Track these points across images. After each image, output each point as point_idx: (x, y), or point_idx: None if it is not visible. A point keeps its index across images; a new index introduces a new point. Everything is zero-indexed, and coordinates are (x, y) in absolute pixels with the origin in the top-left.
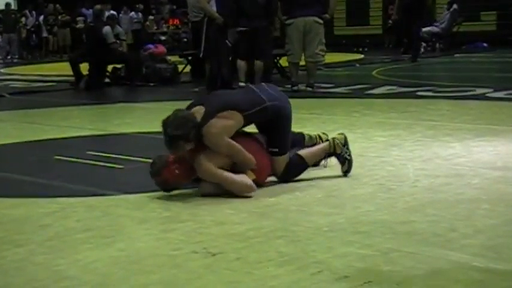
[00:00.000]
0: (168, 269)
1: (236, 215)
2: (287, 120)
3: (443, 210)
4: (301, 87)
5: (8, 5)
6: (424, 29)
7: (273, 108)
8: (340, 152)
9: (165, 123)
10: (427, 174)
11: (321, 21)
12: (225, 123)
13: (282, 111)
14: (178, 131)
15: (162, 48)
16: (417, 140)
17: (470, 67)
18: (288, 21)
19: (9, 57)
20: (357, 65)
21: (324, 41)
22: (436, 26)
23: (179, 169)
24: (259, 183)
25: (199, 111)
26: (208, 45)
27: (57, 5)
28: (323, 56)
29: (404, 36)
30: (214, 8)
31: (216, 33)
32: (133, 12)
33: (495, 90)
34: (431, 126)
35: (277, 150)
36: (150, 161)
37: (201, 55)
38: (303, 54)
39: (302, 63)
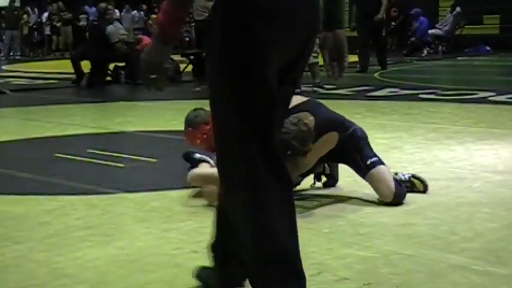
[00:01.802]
0: (168, 269)
1: None
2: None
3: (443, 213)
4: (304, 88)
5: (11, 2)
6: (429, 31)
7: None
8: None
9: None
10: (427, 177)
11: None
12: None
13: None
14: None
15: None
16: (418, 142)
17: (473, 70)
18: None
19: (11, 54)
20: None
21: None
22: (439, 28)
23: (201, 140)
24: None
25: None
26: None
27: (60, 3)
28: (314, 57)
29: (361, 46)
30: None
31: None
32: (135, 11)
33: (497, 94)
34: (432, 129)
35: None
36: (151, 159)
37: (204, 54)
38: None
39: None
